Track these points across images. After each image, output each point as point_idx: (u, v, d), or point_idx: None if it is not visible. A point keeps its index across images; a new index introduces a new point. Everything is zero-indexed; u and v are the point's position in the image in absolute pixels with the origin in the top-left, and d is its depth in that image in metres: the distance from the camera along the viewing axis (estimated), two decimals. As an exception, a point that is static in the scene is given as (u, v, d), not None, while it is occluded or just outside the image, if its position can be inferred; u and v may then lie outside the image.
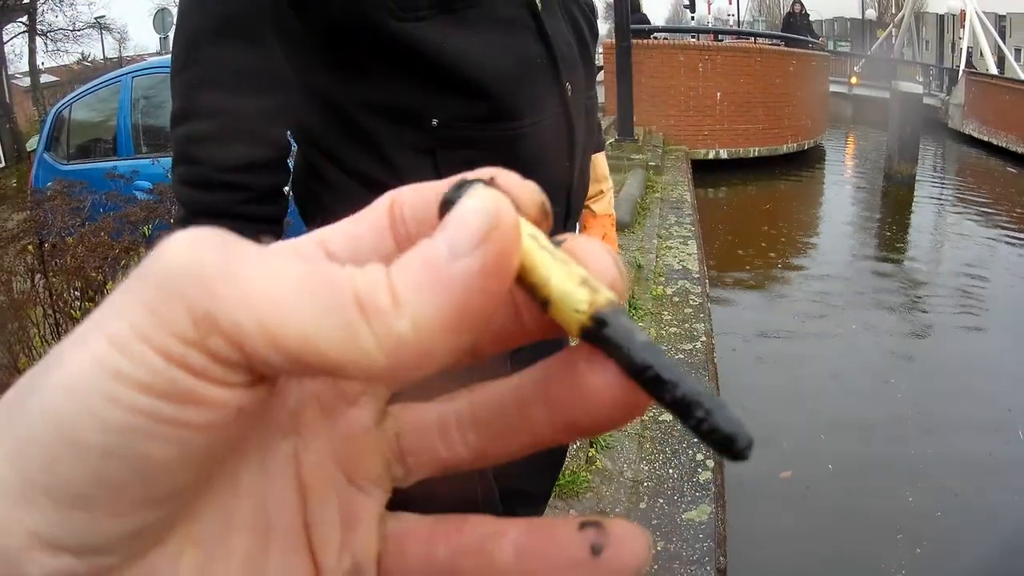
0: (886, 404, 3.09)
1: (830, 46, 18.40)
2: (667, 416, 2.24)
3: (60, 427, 0.11)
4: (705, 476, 1.93)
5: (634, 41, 6.23)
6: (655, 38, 8.29)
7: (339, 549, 0.15)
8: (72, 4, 14.05)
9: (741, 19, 21.33)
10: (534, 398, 0.14)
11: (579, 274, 0.13)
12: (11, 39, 12.66)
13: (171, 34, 0.76)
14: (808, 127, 8.51)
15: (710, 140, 7.65)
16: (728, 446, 0.12)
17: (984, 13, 13.61)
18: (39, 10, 13.14)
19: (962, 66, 12.61)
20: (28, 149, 7.71)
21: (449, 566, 0.15)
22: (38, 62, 13.42)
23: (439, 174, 0.75)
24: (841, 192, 7.98)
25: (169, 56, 0.72)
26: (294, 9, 0.67)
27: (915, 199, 7.10)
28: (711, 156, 7.61)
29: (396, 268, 0.12)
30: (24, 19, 12.78)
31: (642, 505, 1.82)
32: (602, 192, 1.08)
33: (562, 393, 0.14)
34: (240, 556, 0.14)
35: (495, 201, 0.12)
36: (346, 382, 0.15)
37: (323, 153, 0.76)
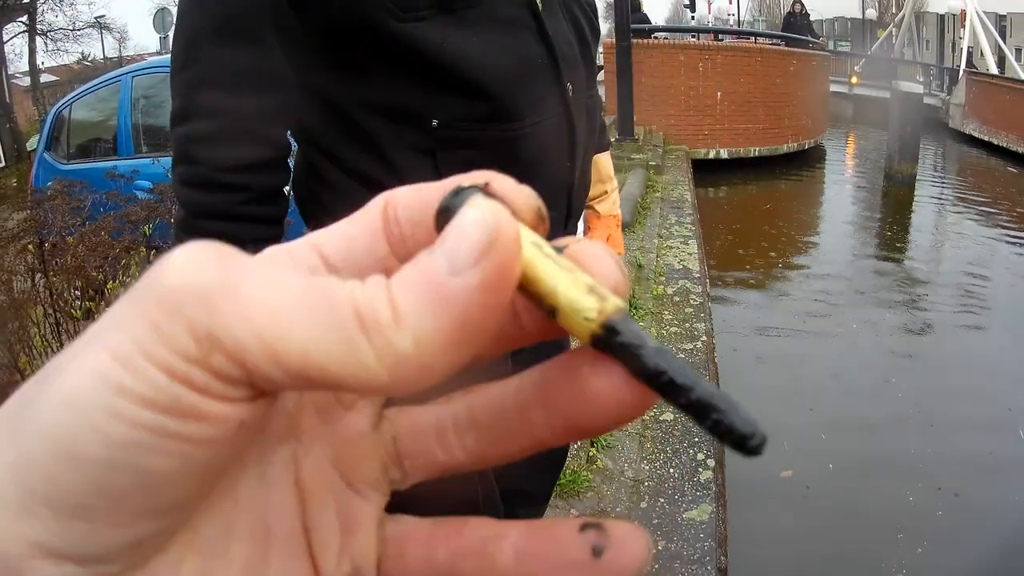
0: (887, 403, 3.09)
1: (830, 46, 18.40)
2: (668, 416, 2.24)
3: (61, 440, 0.11)
4: (706, 476, 1.93)
5: (634, 40, 6.23)
6: (655, 38, 8.28)
7: (339, 553, 0.15)
8: (72, 4, 14.06)
9: (741, 19, 21.32)
10: (534, 401, 0.14)
11: (585, 282, 0.13)
12: (11, 39, 12.68)
13: (171, 33, 0.75)
14: (808, 127, 8.51)
15: (710, 140, 7.65)
16: (744, 444, 0.13)
17: (984, 13, 13.60)
18: (39, 10, 13.15)
19: (962, 66, 12.60)
20: (28, 149, 7.71)
21: (449, 569, 0.15)
22: (38, 62, 13.43)
23: (439, 174, 0.74)
24: (841, 192, 7.97)
25: (169, 55, 0.71)
26: (294, 9, 0.67)
27: (915, 199, 7.09)
28: (711, 156, 7.60)
29: (396, 282, 0.12)
30: (24, 19, 12.78)
31: (643, 504, 1.82)
32: (606, 192, 1.06)
33: (564, 396, 0.14)
34: (241, 562, 0.14)
35: (494, 213, 0.12)
36: None
37: (323, 153, 0.76)
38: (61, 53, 14.41)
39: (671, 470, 1.96)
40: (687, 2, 14.91)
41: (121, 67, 5.45)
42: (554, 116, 0.77)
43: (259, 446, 0.14)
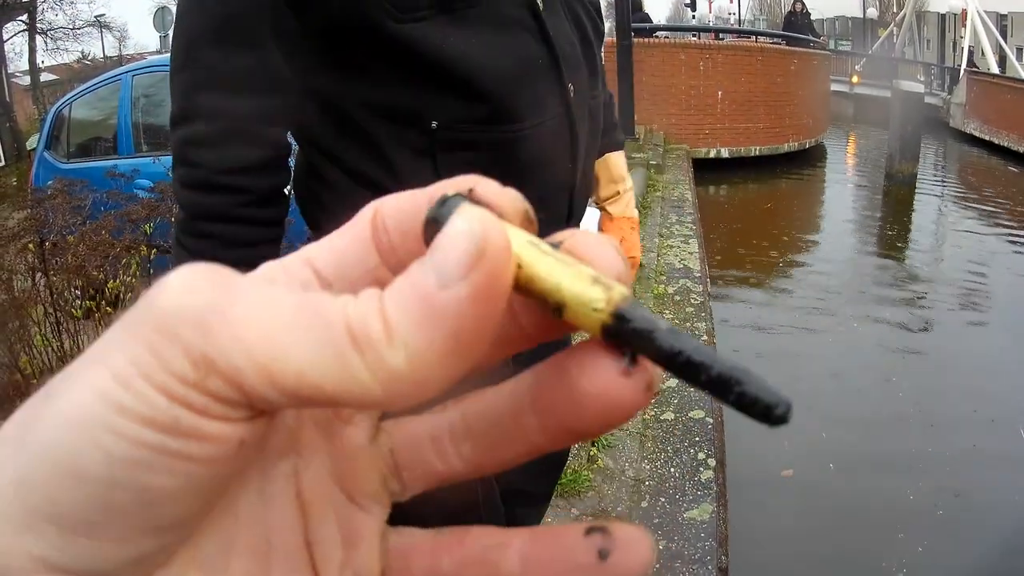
0: (887, 402, 3.09)
1: (831, 45, 18.39)
2: (669, 415, 2.24)
3: (64, 457, 0.11)
4: (707, 475, 1.93)
5: (635, 39, 6.22)
6: (656, 37, 8.28)
7: (341, 567, 0.15)
8: (72, 3, 14.07)
9: (742, 18, 21.31)
10: (527, 406, 0.14)
11: (588, 273, 0.13)
12: (11, 37, 12.67)
13: (171, 32, 0.75)
14: (809, 126, 8.51)
15: (711, 139, 7.64)
16: (769, 414, 0.13)
17: (985, 12, 13.58)
18: (39, 8, 13.14)
19: (963, 65, 12.59)
20: (28, 148, 7.71)
21: None
22: (38, 61, 13.42)
23: (438, 176, 0.74)
24: (842, 191, 7.97)
25: (169, 54, 0.71)
26: (292, 9, 0.67)
27: (916, 198, 7.09)
28: (712, 155, 7.60)
29: (388, 296, 0.12)
30: (24, 17, 12.78)
31: (644, 504, 1.82)
32: (618, 193, 1.02)
33: (556, 400, 0.14)
34: None
35: (481, 223, 0.12)
36: None
37: (323, 153, 0.76)
38: (61, 52, 14.43)
39: (672, 469, 1.96)
40: (688, 1, 14.91)
41: (121, 66, 5.44)
42: (555, 117, 0.76)
43: (260, 461, 0.14)
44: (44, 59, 14.04)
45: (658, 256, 3.79)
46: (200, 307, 0.11)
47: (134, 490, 0.11)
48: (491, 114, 0.72)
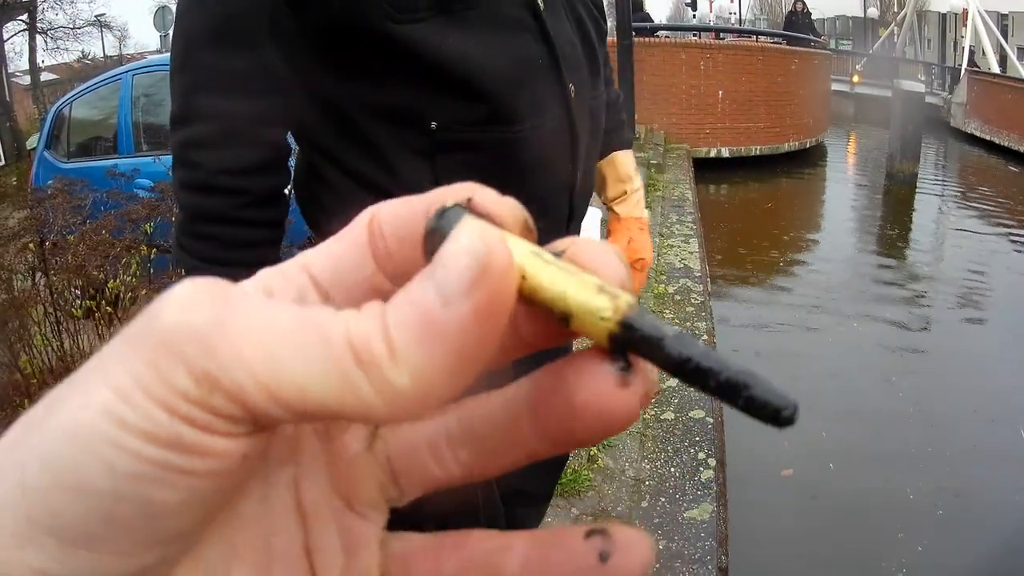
0: (887, 402, 3.09)
1: (832, 44, 18.37)
2: (669, 415, 2.24)
3: (66, 470, 0.11)
4: (707, 475, 1.93)
5: (635, 39, 6.21)
6: (656, 36, 8.27)
7: (342, 574, 0.15)
8: (72, 2, 14.06)
9: (743, 17, 21.29)
10: (524, 413, 0.14)
11: (593, 282, 0.13)
12: (11, 37, 12.67)
13: (171, 32, 0.75)
14: (810, 126, 8.50)
15: (712, 138, 7.64)
16: (778, 416, 0.13)
17: (986, 12, 13.57)
18: (39, 8, 13.14)
19: (964, 65, 12.59)
20: (28, 147, 7.70)
21: None
22: (38, 60, 13.42)
23: (437, 177, 0.74)
24: (843, 191, 7.97)
25: (169, 54, 0.71)
26: (291, 8, 0.67)
27: (917, 198, 7.09)
28: (713, 154, 7.60)
29: (390, 313, 0.12)
30: (24, 17, 12.77)
31: (644, 504, 1.82)
32: (626, 193, 1.00)
33: (553, 408, 0.14)
34: None
35: (483, 239, 0.12)
36: None
37: (323, 154, 0.76)
38: (61, 51, 14.43)
39: (672, 469, 1.96)
40: (688, 1, 14.90)
41: (121, 65, 5.43)
42: (555, 118, 0.75)
43: (260, 471, 0.14)
44: (44, 58, 14.05)
45: (658, 255, 3.79)
46: (202, 324, 0.11)
47: (136, 503, 0.11)
48: (490, 115, 0.71)
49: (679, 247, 3.98)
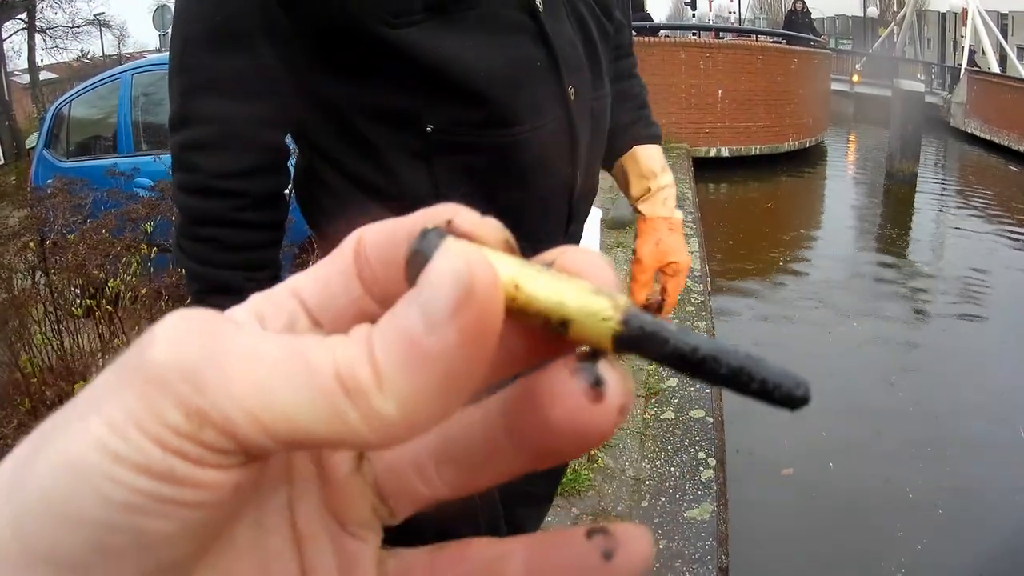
0: (887, 401, 3.09)
1: (832, 44, 18.37)
2: (669, 414, 2.24)
3: (60, 501, 0.11)
4: (707, 474, 1.93)
5: (635, 38, 6.20)
6: (656, 36, 8.27)
7: None
8: (71, 1, 14.05)
9: (742, 17, 21.27)
10: (500, 431, 0.14)
11: (587, 286, 0.13)
12: (10, 36, 12.66)
13: (170, 31, 0.75)
14: (810, 125, 8.50)
15: (711, 138, 7.64)
16: (791, 398, 0.13)
17: (986, 11, 13.57)
18: (38, 7, 13.13)
19: (964, 64, 12.59)
20: (27, 147, 7.70)
21: None
22: (37, 59, 13.41)
23: (435, 179, 0.74)
24: (843, 190, 7.97)
25: (168, 54, 0.71)
26: (283, 9, 0.66)
27: (917, 197, 7.09)
28: (712, 154, 7.60)
29: (376, 338, 0.12)
30: (23, 16, 12.76)
31: (644, 503, 1.82)
32: (649, 190, 0.93)
33: (527, 426, 0.14)
34: None
35: (467, 262, 0.12)
36: None
37: (322, 156, 0.75)
38: (60, 50, 14.42)
39: (672, 469, 1.96)
40: (688, 0, 14.89)
41: (120, 64, 5.42)
42: (555, 120, 0.75)
43: (254, 496, 0.14)
44: (43, 57, 14.04)
45: (658, 255, 3.79)
46: (191, 359, 0.12)
47: (130, 534, 0.11)
48: (488, 117, 0.71)
49: (679, 246, 3.98)
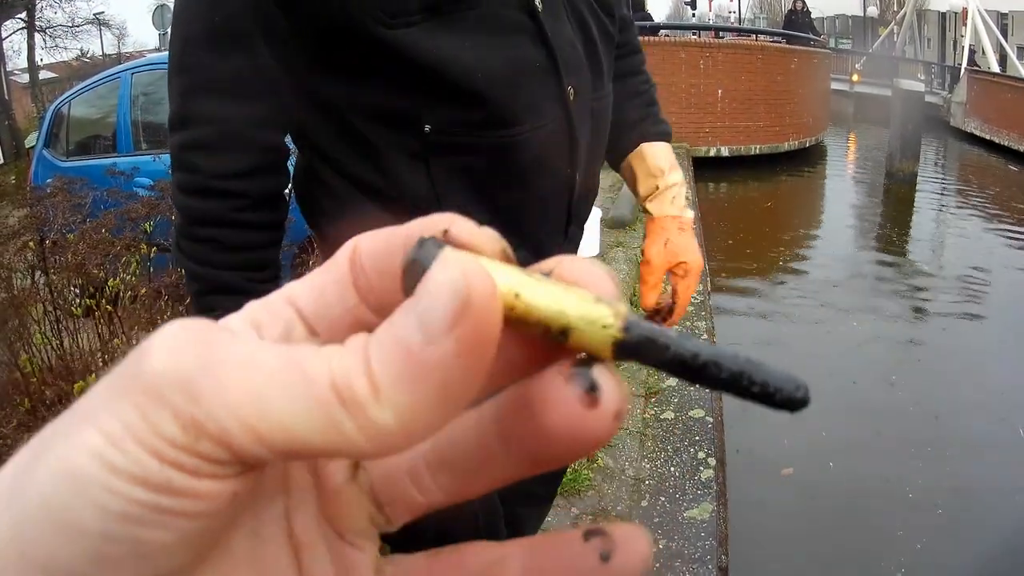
0: (887, 401, 3.09)
1: (832, 43, 18.37)
2: (669, 414, 2.24)
3: (58, 511, 0.11)
4: (707, 474, 1.93)
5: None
6: (656, 36, 8.27)
7: None
8: (71, 0, 14.04)
9: (742, 16, 21.27)
10: (493, 438, 0.14)
11: (587, 295, 0.13)
12: (10, 35, 12.66)
13: (170, 30, 0.75)
14: (810, 125, 8.51)
15: (711, 137, 7.64)
16: (792, 400, 0.13)
17: (986, 11, 13.57)
18: (38, 6, 13.12)
19: (964, 64, 12.59)
20: (27, 146, 7.69)
21: None
22: (37, 58, 13.41)
23: (432, 180, 0.74)
24: (843, 190, 7.97)
25: (167, 53, 0.71)
26: (280, 9, 0.66)
27: (916, 197, 7.09)
28: (712, 153, 7.60)
29: (373, 350, 0.12)
30: (23, 15, 12.75)
31: (644, 503, 1.82)
32: (657, 188, 0.91)
33: (522, 433, 0.13)
34: None
35: (464, 273, 0.12)
36: None
37: (322, 156, 0.75)
38: (60, 50, 14.42)
39: (672, 468, 1.96)
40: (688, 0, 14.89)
41: (120, 63, 5.42)
42: (554, 120, 0.74)
43: (251, 505, 0.14)
44: (43, 57, 14.04)
45: (658, 255, 3.79)
46: (187, 369, 0.12)
47: (128, 544, 0.11)
48: (487, 118, 0.70)
49: (679, 246, 3.98)
